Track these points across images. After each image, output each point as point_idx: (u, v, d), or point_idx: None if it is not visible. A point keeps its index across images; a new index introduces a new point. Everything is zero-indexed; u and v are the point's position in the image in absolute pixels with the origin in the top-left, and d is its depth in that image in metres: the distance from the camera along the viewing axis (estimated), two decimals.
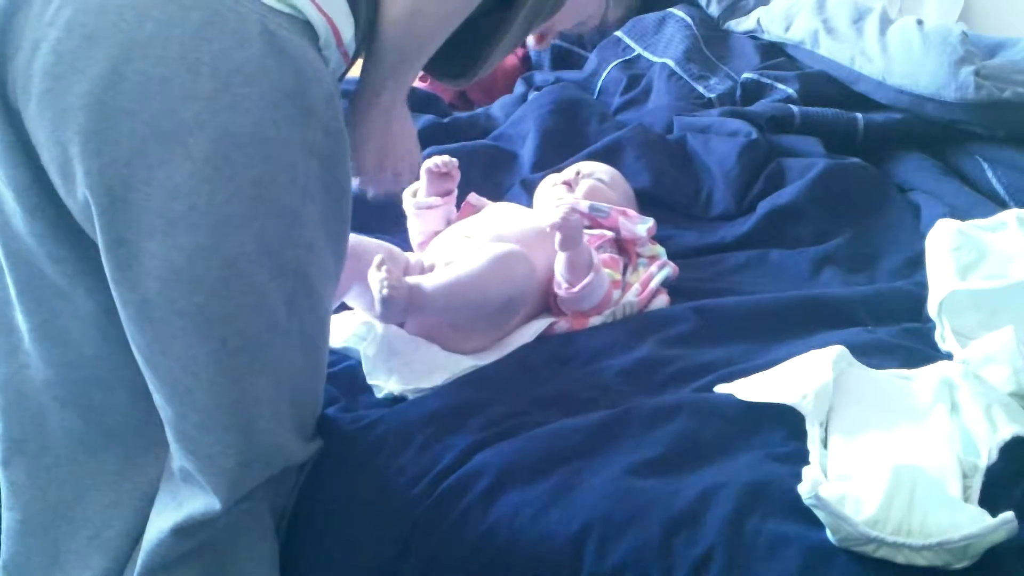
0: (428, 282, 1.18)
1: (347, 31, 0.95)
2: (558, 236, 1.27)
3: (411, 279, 1.18)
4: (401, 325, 1.27)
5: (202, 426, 0.95)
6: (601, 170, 1.62)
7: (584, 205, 1.49)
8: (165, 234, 0.87)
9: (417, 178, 1.33)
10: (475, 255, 1.23)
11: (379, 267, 1.14)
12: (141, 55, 0.84)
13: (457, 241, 1.36)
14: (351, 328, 1.29)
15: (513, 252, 1.24)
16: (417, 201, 1.47)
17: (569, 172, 1.59)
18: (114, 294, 0.91)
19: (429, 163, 1.45)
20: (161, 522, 1.00)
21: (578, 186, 1.56)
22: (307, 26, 0.91)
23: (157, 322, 0.90)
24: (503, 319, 1.28)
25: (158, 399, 0.96)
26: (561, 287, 1.31)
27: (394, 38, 0.98)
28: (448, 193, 1.48)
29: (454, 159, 1.47)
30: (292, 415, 1.01)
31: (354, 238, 1.26)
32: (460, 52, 1.07)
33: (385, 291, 1.13)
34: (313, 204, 0.92)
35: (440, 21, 0.98)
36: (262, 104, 0.86)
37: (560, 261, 1.31)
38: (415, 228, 1.48)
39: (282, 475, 1.04)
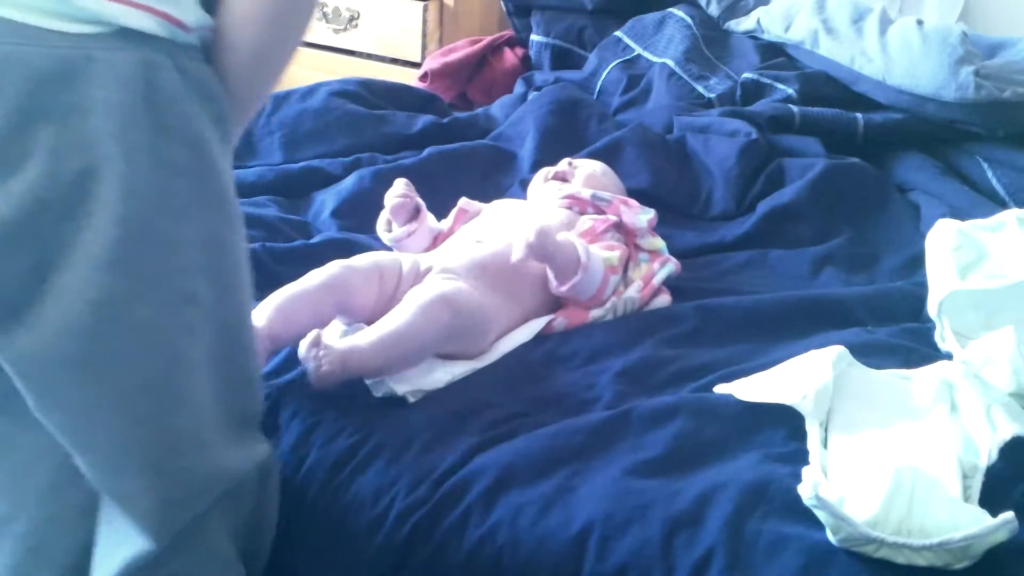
0: (363, 342, 1.16)
1: (190, 16, 0.87)
2: (530, 260, 1.28)
3: (346, 342, 1.15)
4: None
5: (113, 470, 0.90)
6: (589, 161, 1.63)
7: (587, 193, 1.49)
8: None
9: None
10: (401, 307, 1.20)
11: (310, 346, 1.12)
12: None
13: (468, 246, 1.36)
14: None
15: (438, 298, 1.20)
16: (393, 236, 1.44)
17: (561, 164, 1.60)
18: None
19: (392, 201, 1.43)
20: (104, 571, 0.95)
21: (575, 176, 1.57)
22: (139, 36, 0.84)
23: (39, 378, 0.85)
24: (474, 340, 1.25)
25: (65, 446, 0.90)
26: (552, 284, 1.32)
27: (239, 94, 0.92)
28: (418, 213, 1.45)
29: (404, 180, 1.44)
30: (222, 434, 0.96)
31: (340, 264, 1.25)
32: None
33: (321, 371, 1.11)
34: (190, 224, 0.87)
35: (282, 63, 0.94)
36: (106, 137, 0.81)
37: (546, 267, 1.32)
38: (404, 254, 1.41)
39: (235, 497, 0.98)
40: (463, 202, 1.51)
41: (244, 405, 1.00)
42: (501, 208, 1.51)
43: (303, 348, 1.12)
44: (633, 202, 1.52)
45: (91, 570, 0.96)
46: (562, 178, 1.58)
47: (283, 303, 1.20)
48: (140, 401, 0.88)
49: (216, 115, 0.89)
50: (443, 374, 1.20)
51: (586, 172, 1.58)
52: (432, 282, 1.25)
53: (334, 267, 1.25)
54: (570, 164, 1.60)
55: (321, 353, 1.11)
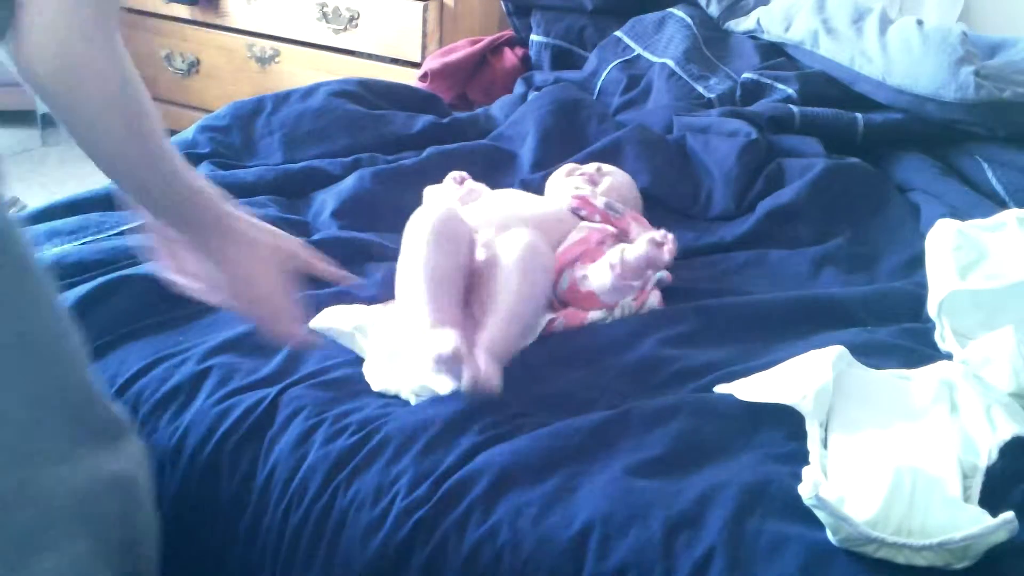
0: (495, 333, 1.17)
1: None
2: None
3: (481, 345, 1.15)
4: None
5: None
6: (620, 173, 1.64)
7: (600, 201, 1.50)
8: None
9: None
10: (506, 270, 1.22)
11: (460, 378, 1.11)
12: None
13: None
14: (348, 325, 1.28)
15: (531, 242, 1.25)
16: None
17: (591, 167, 1.60)
18: None
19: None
20: None
21: (600, 182, 1.57)
22: None
23: None
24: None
25: None
26: (617, 269, 1.31)
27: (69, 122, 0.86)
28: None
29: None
30: (28, 457, 0.92)
31: (438, 222, 1.25)
32: None
33: (486, 384, 1.12)
34: None
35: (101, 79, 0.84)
36: None
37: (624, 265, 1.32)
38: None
39: (88, 516, 0.94)
40: (470, 182, 1.53)
41: (70, 421, 0.94)
42: (502, 198, 1.51)
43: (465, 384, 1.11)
44: (644, 220, 1.52)
45: None
46: (589, 180, 1.58)
47: (442, 305, 1.18)
48: None
49: None
50: None
51: (610, 183, 1.58)
52: (509, 237, 1.27)
53: (434, 233, 1.24)
54: (599, 170, 1.60)
55: (474, 373, 1.10)
